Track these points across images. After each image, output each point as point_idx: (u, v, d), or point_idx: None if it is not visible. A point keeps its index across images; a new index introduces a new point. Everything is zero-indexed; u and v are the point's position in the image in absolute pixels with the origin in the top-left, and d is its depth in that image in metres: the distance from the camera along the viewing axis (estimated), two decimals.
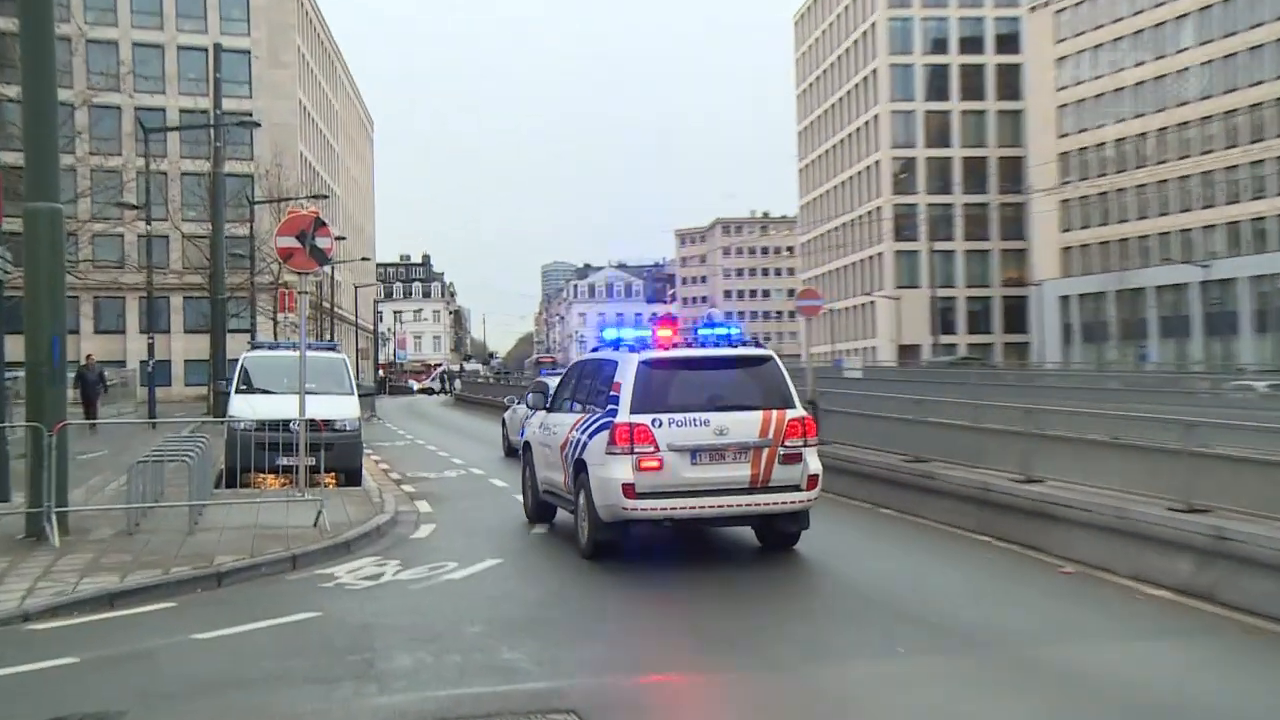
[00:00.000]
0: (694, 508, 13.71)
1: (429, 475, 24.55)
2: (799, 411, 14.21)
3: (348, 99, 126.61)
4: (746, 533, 15.88)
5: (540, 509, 17.29)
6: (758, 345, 15.34)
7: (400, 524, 17.36)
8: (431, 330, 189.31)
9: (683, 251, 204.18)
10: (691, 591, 12.29)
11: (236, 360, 24.15)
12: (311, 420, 18.58)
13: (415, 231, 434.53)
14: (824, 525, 15.74)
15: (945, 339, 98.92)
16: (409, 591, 12.41)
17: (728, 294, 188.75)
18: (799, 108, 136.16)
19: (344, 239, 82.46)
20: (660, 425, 13.74)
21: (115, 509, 16.38)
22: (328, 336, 78.40)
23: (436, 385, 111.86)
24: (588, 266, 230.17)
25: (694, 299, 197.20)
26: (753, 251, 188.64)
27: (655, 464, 13.69)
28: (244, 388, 22.64)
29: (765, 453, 13.87)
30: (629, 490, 13.67)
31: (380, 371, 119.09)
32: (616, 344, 15.57)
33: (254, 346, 24.76)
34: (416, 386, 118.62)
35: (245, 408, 21.04)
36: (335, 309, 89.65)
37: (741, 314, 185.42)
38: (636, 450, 13.72)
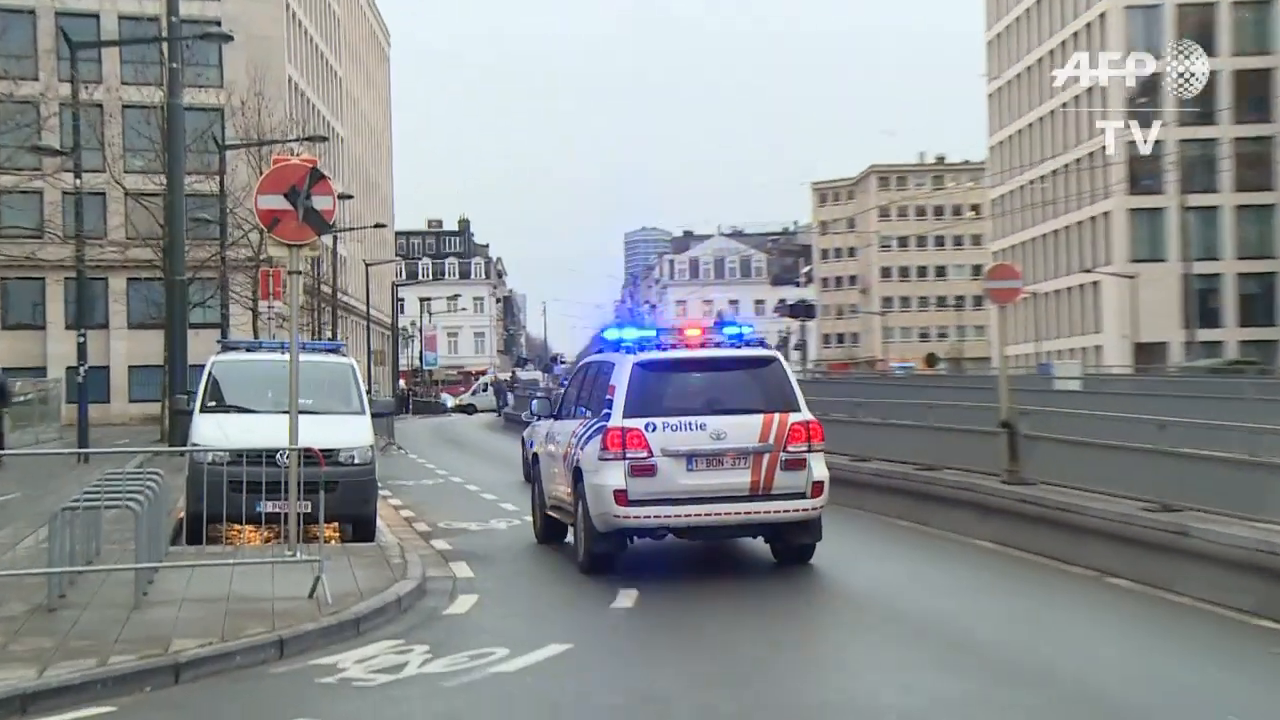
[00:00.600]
0: (690, 515, 18.29)
1: (469, 526, 24.94)
2: (803, 415, 18.65)
3: (355, 4, 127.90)
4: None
5: (549, 527, 22.18)
6: (762, 344, 20.60)
7: (430, 594, 17.45)
8: (472, 324, 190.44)
9: (822, 213, 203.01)
10: None
11: (202, 366, 24.33)
12: (307, 450, 18.45)
13: (450, 190, 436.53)
14: (1034, 603, 15.47)
15: (1205, 334, 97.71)
16: (441, 690, 12.38)
17: (886, 273, 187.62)
18: (989, 6, 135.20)
19: (350, 198, 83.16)
20: (654, 429, 18.20)
21: (31, 574, 16.52)
22: (329, 334, 79.07)
23: (481, 399, 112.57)
24: (689, 235, 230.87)
25: (837, 280, 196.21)
26: (921, 212, 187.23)
27: (648, 470, 18.14)
28: (212, 405, 22.78)
29: (766, 458, 18.33)
30: (621, 497, 18.17)
31: (402, 382, 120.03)
32: (618, 345, 19.81)
33: (226, 348, 24.89)
34: (451, 402, 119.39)
35: (214, 433, 21.18)
36: (339, 295, 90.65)
37: (905, 301, 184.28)
38: (629, 456, 18.16)
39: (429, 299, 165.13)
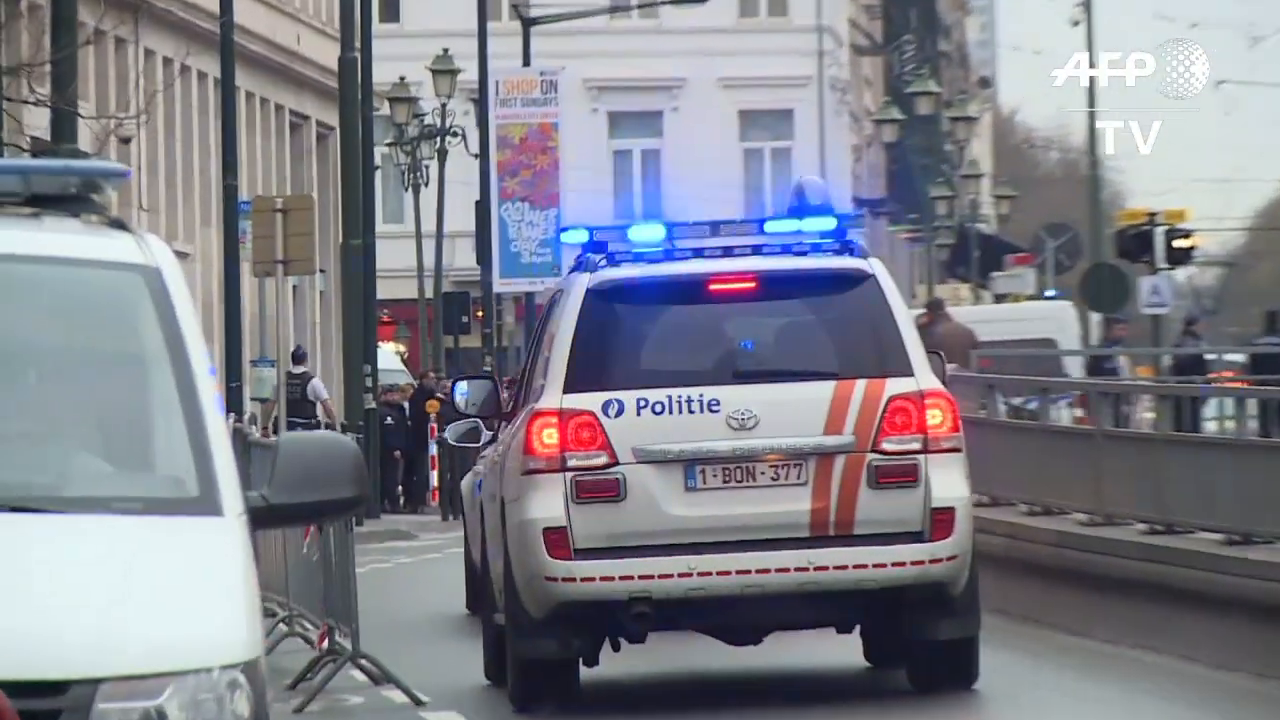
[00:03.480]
0: (695, 577, 11.19)
1: None
2: (916, 382, 11.52)
3: None
4: None
5: (479, 598, 14.71)
6: (849, 248, 12.20)
7: None
8: None
9: None
10: None
11: None
12: None
13: None
14: None
15: None
16: None
17: None
18: None
19: None
20: (619, 413, 11.34)
21: None
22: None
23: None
24: None
25: None
26: None
27: (609, 488, 11.32)
28: None
29: (840, 466, 11.35)
30: (557, 542, 11.24)
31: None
32: (585, 255, 12.32)
33: None
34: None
35: None
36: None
37: None
38: (572, 463, 11.34)
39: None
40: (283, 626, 17.98)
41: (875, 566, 11.21)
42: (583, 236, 12.44)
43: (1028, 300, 66.22)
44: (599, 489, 11.37)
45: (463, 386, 13.88)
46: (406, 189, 58.94)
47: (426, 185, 58.04)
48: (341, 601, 15.19)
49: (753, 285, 11.98)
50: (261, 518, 4.81)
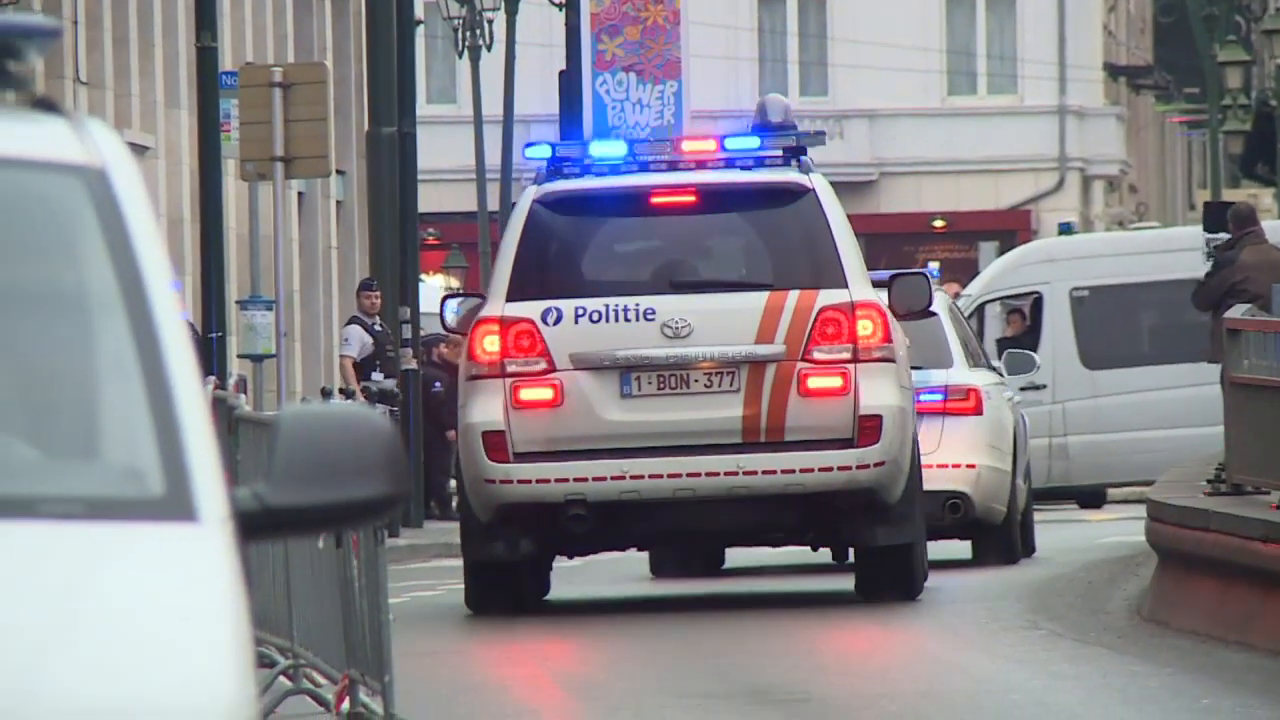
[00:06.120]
0: (629, 479, 14.92)
1: None
2: (847, 293, 15.22)
3: None
4: None
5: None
6: (800, 161, 16.14)
7: None
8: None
9: None
10: None
11: None
12: None
13: None
14: None
15: None
16: None
17: None
18: None
19: None
20: (557, 320, 15.23)
21: None
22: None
23: None
24: None
25: None
26: None
27: (548, 394, 15.14)
28: None
29: (772, 373, 15.13)
30: (497, 445, 15.10)
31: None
32: (548, 169, 16.38)
33: None
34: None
35: None
36: None
37: None
38: (511, 369, 15.14)
39: None
40: (285, 680, 17.98)
41: (803, 471, 14.76)
42: (545, 152, 16.22)
43: None
44: (535, 395, 14.96)
45: (453, 304, 17.20)
46: (461, 55, 58.83)
47: (489, 49, 57.80)
48: (369, 644, 15.30)
49: (693, 199, 15.60)
50: (255, 525, 4.65)
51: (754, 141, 16.01)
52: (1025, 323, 47.73)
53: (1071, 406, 46.74)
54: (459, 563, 37.54)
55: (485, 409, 15.01)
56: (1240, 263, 26.20)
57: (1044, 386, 43.22)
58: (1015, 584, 22.45)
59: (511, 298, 15.07)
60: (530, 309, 15.00)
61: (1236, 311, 22.43)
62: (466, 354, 15.34)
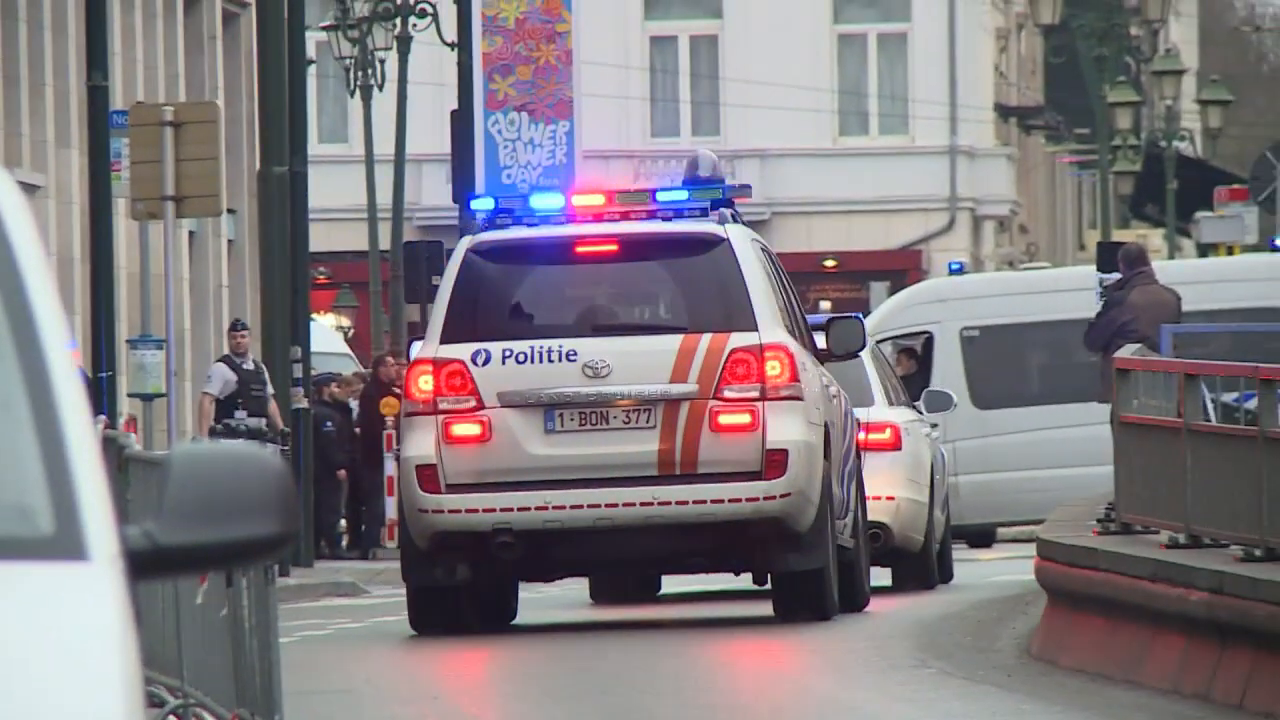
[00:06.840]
0: (551, 510, 16.42)
1: None
2: (756, 335, 16.51)
3: None
4: None
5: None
6: (729, 210, 17.63)
7: None
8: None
9: None
10: None
11: None
12: None
13: None
14: None
15: None
16: None
17: None
18: None
19: None
20: (485, 362, 16.58)
21: None
22: None
23: None
24: None
25: None
26: None
27: (477, 430, 16.50)
28: None
29: (685, 410, 16.51)
30: (430, 477, 16.55)
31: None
32: (490, 219, 17.69)
33: None
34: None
35: None
36: None
37: None
38: (444, 406, 16.48)
39: None
40: None
41: (714, 502, 16.13)
42: (489, 205, 17.89)
43: (1246, 252, 66.43)
44: (466, 430, 16.32)
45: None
46: (353, 94, 58.90)
47: (381, 89, 58.02)
48: (259, 684, 15.27)
49: (615, 248, 17.00)
50: (146, 564, 4.54)
51: (682, 194, 17.45)
52: (916, 363, 48.00)
53: (962, 446, 46.99)
54: (349, 602, 38.27)
55: (419, 444, 16.49)
56: (1129, 303, 26.61)
57: (934, 426, 43.66)
58: (905, 622, 22.58)
59: (445, 340, 16.53)
60: (461, 350, 16.36)
61: (1126, 351, 22.71)
62: (403, 392, 17.21)
